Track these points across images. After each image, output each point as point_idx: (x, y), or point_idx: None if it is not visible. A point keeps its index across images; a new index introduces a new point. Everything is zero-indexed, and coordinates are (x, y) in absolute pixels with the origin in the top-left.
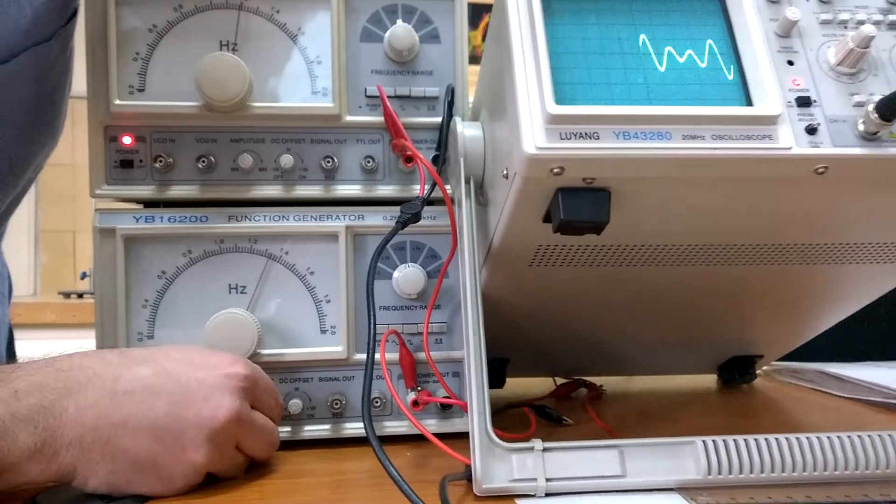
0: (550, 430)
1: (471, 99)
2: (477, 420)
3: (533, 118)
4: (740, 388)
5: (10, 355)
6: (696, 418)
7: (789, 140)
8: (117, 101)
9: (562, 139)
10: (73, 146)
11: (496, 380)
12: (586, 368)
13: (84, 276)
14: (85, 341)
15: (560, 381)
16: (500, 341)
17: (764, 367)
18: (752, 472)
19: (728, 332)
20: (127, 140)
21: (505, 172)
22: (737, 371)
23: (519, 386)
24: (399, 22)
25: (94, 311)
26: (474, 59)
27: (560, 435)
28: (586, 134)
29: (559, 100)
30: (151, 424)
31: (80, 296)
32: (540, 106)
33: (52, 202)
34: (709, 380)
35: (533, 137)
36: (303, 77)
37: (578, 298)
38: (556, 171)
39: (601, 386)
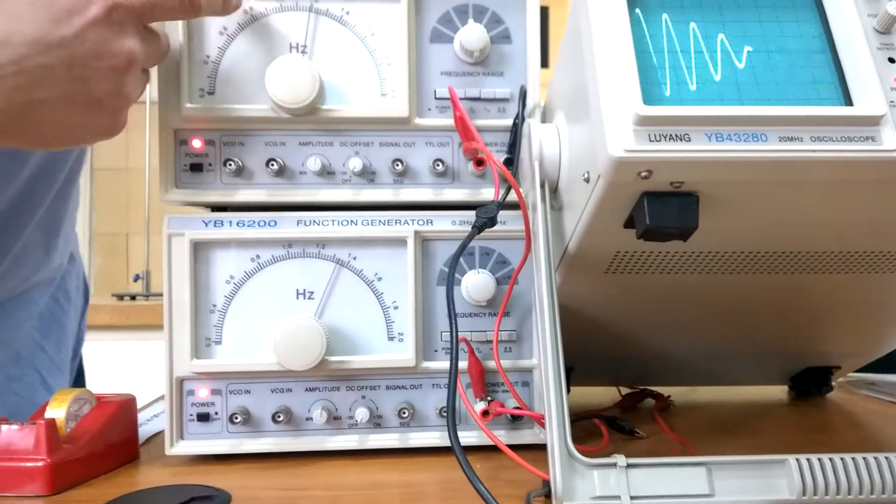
0: (623, 442)
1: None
2: (556, 434)
3: (620, 120)
4: (814, 401)
5: (79, 371)
6: (773, 433)
7: (893, 142)
8: (188, 105)
9: (651, 141)
10: (128, 150)
11: None
12: (652, 377)
13: (137, 278)
14: (139, 343)
15: (625, 390)
16: (565, 349)
17: (839, 379)
18: (850, 493)
19: (804, 343)
20: (197, 143)
21: (586, 176)
22: (812, 383)
23: (582, 394)
24: (470, 22)
25: (164, 314)
26: None
27: (633, 448)
28: (677, 136)
29: (646, 100)
30: (60, 98)
31: (133, 298)
32: (628, 107)
33: (105, 205)
34: (779, 391)
35: (621, 140)
36: (372, 79)
37: (651, 307)
38: (643, 174)
39: (669, 396)
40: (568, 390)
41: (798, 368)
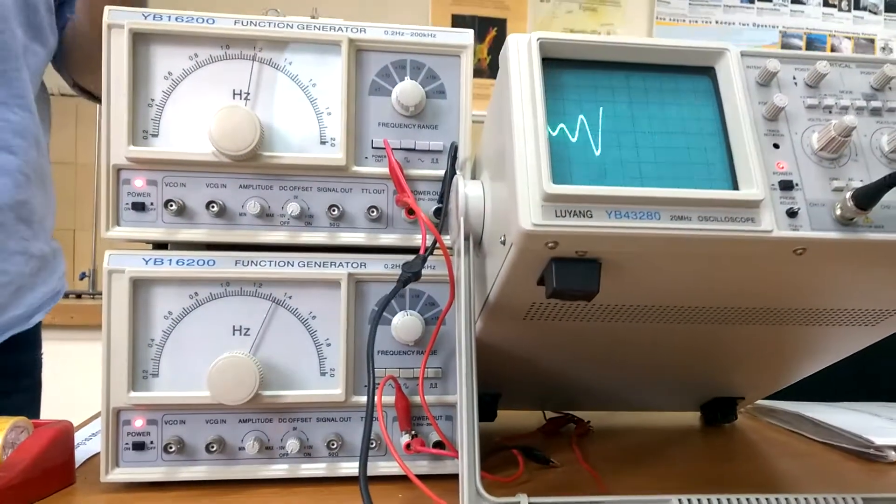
0: (538, 472)
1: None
2: (467, 475)
3: (531, 195)
4: (722, 428)
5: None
6: (677, 462)
7: (770, 223)
8: (132, 147)
9: (557, 216)
10: (77, 144)
11: (488, 414)
12: (575, 403)
13: (83, 276)
14: (83, 344)
15: (550, 414)
16: (492, 378)
17: (747, 406)
18: None
19: (711, 376)
20: (139, 183)
21: (503, 239)
22: (719, 411)
23: (509, 418)
24: (407, 79)
25: (102, 347)
26: (480, 72)
27: (546, 477)
28: (580, 212)
29: (556, 177)
30: None
31: (79, 296)
32: (538, 184)
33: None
34: (693, 416)
35: (530, 214)
36: (312, 127)
37: (569, 346)
38: (550, 245)
39: (588, 422)
40: (494, 415)
41: (707, 398)
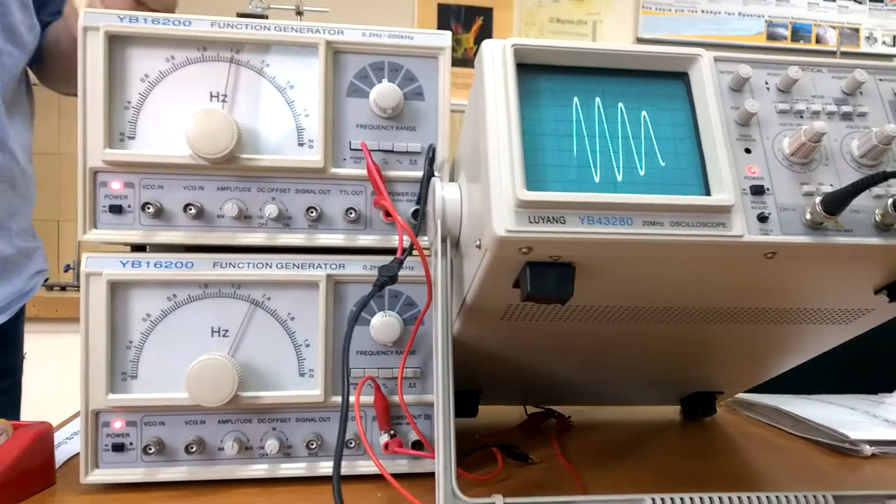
0: (517, 469)
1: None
2: (443, 478)
3: (504, 202)
4: (702, 422)
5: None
6: (656, 458)
7: (741, 228)
8: (108, 150)
9: (530, 222)
10: (60, 135)
11: (469, 410)
12: (556, 399)
13: (68, 268)
14: (68, 336)
15: (531, 410)
16: (473, 375)
17: (727, 400)
18: None
19: (689, 373)
20: (116, 185)
21: (478, 243)
22: (698, 406)
23: (492, 412)
24: (385, 81)
25: (80, 349)
26: (466, 62)
27: (525, 475)
28: (553, 218)
29: (531, 181)
30: None
31: (63, 288)
32: (511, 191)
33: (36, 190)
34: (673, 410)
35: (503, 220)
36: (290, 129)
37: (549, 344)
38: (524, 250)
39: (569, 417)
40: (476, 411)
41: (686, 392)
